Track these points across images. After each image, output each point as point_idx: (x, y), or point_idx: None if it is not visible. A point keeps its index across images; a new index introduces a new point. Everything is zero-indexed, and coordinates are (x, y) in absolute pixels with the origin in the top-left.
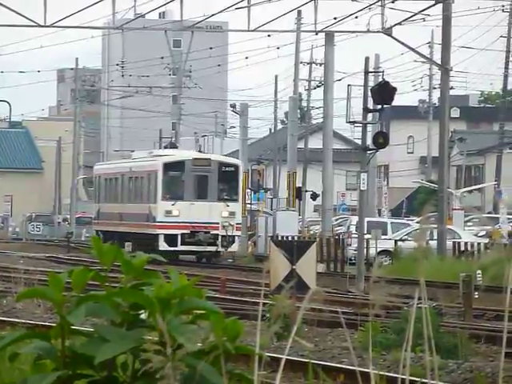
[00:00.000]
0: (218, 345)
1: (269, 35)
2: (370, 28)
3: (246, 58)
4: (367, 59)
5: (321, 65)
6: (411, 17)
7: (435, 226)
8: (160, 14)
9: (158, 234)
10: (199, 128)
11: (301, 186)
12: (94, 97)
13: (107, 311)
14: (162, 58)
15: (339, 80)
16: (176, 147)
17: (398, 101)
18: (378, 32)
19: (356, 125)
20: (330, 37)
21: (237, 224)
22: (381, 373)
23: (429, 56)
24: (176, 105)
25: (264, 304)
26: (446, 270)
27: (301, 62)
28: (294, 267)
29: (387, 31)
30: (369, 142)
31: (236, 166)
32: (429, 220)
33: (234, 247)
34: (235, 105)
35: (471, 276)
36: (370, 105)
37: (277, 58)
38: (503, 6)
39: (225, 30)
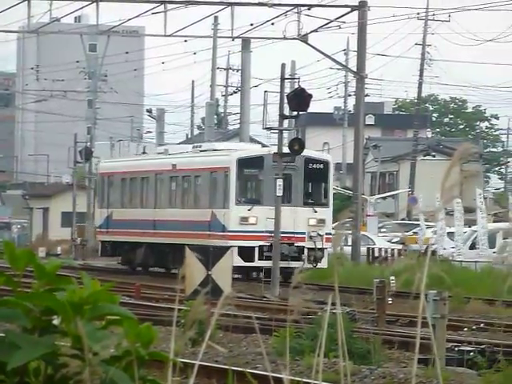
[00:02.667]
0: (131, 350)
1: (185, 40)
2: (286, 35)
3: (163, 63)
4: (283, 66)
5: (237, 71)
6: (327, 24)
7: (349, 231)
8: (76, 18)
9: (229, 247)
10: (115, 133)
11: None
12: (9, 101)
13: (19, 317)
14: (78, 62)
15: (256, 86)
16: (91, 152)
17: (313, 107)
18: (294, 39)
19: (272, 131)
20: (246, 43)
21: (327, 234)
22: (294, 378)
23: (344, 63)
24: (91, 109)
25: (179, 310)
26: (360, 275)
27: (217, 68)
28: (209, 273)
29: (303, 38)
30: (285, 148)
31: (326, 163)
32: (343, 226)
33: (324, 263)
34: (151, 110)
35: (385, 282)
36: (286, 111)
37: (193, 63)
38: (418, 14)
39: (141, 35)
